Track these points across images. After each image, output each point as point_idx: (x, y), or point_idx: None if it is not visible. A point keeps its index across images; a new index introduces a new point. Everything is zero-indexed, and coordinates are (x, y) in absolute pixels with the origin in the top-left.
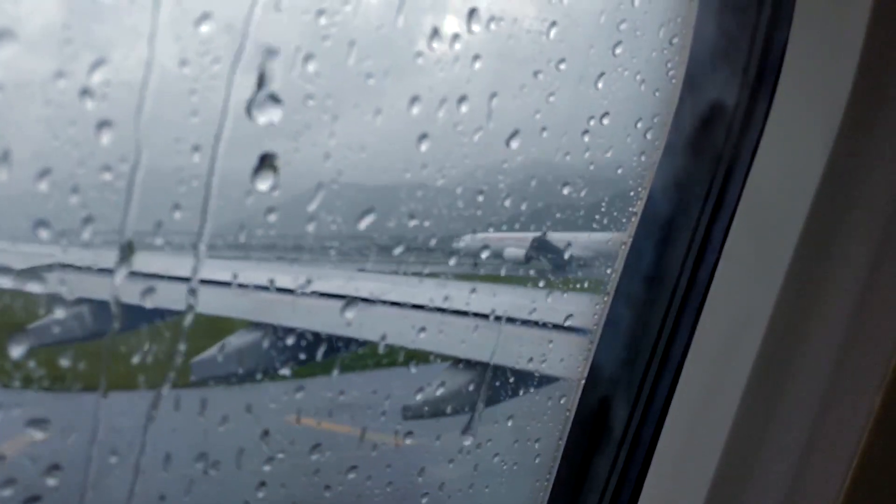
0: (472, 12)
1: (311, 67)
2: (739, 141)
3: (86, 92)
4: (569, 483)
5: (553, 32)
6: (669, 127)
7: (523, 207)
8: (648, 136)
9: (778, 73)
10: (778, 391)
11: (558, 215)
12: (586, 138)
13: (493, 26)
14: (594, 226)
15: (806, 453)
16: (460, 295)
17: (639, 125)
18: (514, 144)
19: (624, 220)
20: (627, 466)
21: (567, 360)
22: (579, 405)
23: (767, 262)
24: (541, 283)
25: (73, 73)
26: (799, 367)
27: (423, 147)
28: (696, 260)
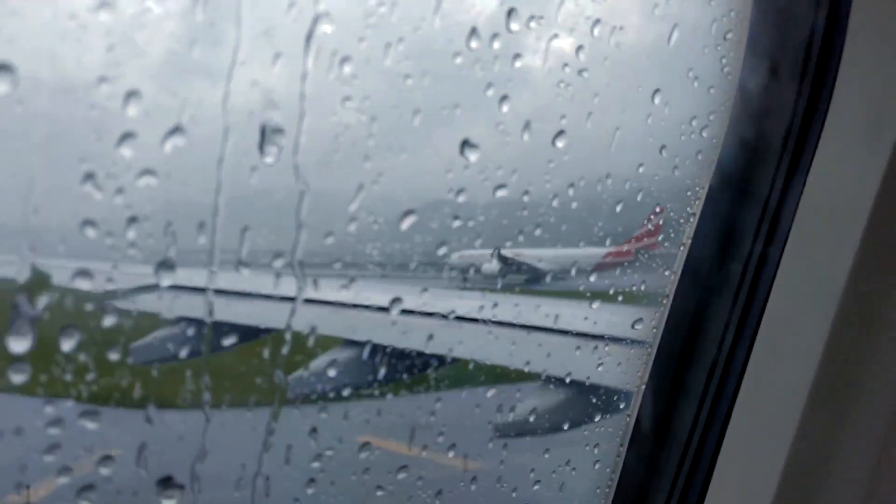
0: (511, 12)
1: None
2: (800, 136)
3: (177, 129)
4: (630, 489)
5: (601, 30)
6: (727, 124)
7: (574, 206)
8: (704, 133)
9: (837, 68)
10: (846, 393)
11: (605, 221)
12: (641, 139)
13: (533, 24)
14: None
15: (876, 464)
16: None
17: (693, 122)
18: (560, 143)
19: (682, 221)
20: (691, 474)
21: (626, 369)
22: (640, 413)
23: (829, 265)
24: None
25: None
26: (867, 366)
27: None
28: (759, 262)
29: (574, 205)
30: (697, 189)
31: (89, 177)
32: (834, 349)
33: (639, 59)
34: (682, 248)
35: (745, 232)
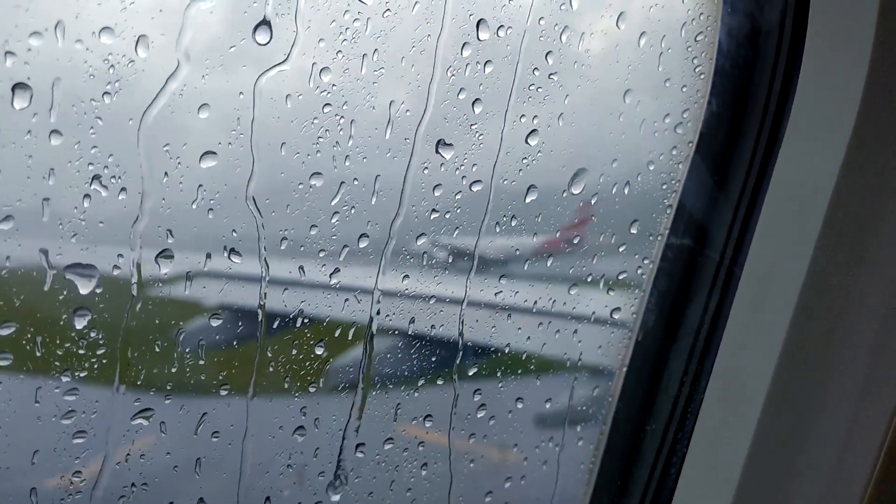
0: (480, 22)
1: None
2: (771, 132)
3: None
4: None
5: (569, 35)
6: (700, 121)
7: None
8: (679, 130)
9: (799, 68)
10: (810, 376)
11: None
12: (615, 136)
13: (502, 33)
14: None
15: (840, 444)
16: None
17: (667, 120)
18: (533, 142)
19: (654, 215)
20: (669, 456)
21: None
22: (620, 396)
23: (794, 252)
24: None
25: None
26: (831, 349)
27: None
28: (735, 250)
29: (558, 196)
30: (673, 182)
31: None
32: (799, 336)
33: (612, 62)
34: (659, 237)
35: (720, 221)
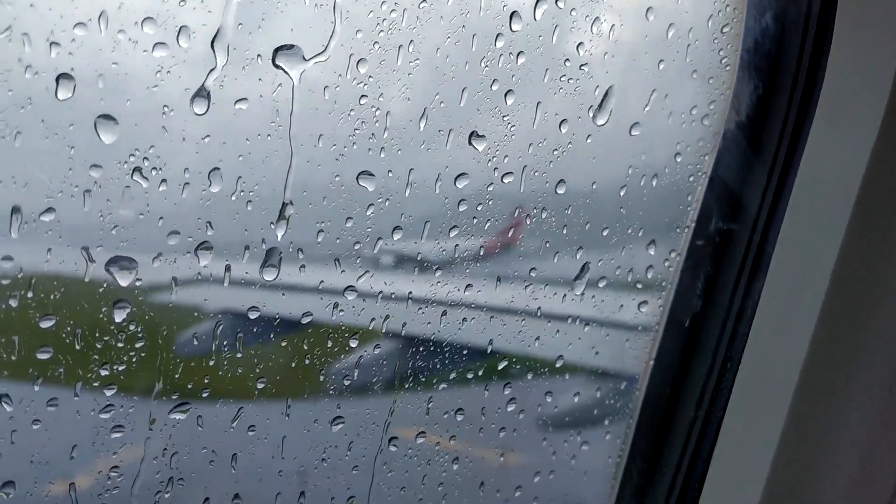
0: (514, 14)
1: None
2: (796, 124)
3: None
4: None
5: (603, 27)
6: (727, 113)
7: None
8: (705, 122)
9: (826, 62)
10: (840, 367)
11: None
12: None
13: (535, 24)
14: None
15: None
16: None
17: (694, 111)
18: (564, 130)
19: (681, 207)
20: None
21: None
22: (647, 391)
23: (823, 245)
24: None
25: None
26: (862, 338)
27: None
28: (761, 241)
29: (590, 188)
30: (700, 174)
31: (136, 170)
32: (829, 328)
33: (639, 54)
34: (686, 230)
35: (745, 214)
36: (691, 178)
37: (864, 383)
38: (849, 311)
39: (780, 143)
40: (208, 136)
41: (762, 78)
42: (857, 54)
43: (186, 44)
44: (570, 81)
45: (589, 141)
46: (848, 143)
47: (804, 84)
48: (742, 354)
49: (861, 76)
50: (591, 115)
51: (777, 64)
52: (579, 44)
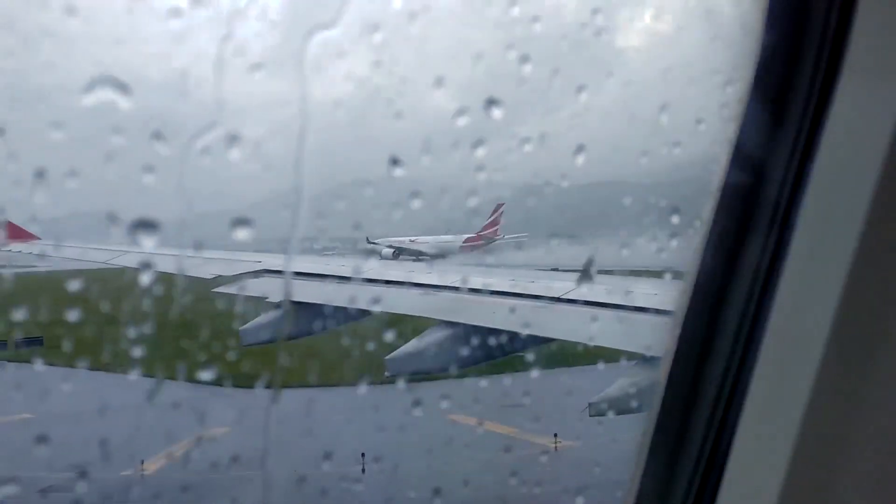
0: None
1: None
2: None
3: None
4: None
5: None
6: (751, 79)
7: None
8: (728, 89)
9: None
10: (861, 354)
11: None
12: (664, 94)
13: None
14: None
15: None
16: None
17: (716, 78)
18: (582, 100)
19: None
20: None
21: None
22: (669, 376)
23: (846, 226)
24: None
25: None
26: (885, 322)
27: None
28: (781, 227)
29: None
30: (723, 143)
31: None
32: (851, 315)
33: (660, 18)
34: (710, 198)
35: (769, 185)
36: (715, 147)
37: (888, 367)
38: (874, 292)
39: (805, 109)
40: (226, 103)
41: (787, 40)
42: (885, 15)
43: (204, 12)
44: (588, 48)
45: (608, 111)
46: (876, 106)
47: (831, 46)
48: (765, 333)
49: (890, 38)
50: (609, 83)
51: (802, 26)
52: (596, 10)
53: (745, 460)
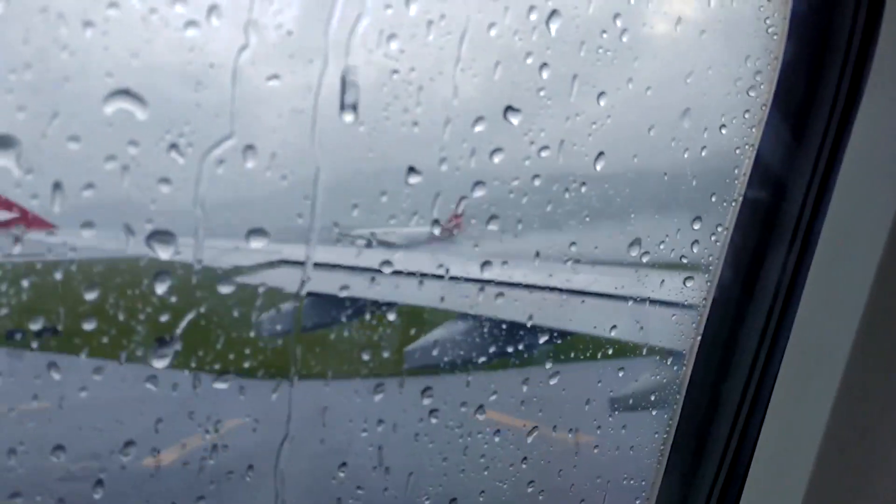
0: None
1: None
2: (849, 91)
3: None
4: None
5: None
6: (774, 84)
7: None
8: (751, 93)
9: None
10: (887, 355)
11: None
12: (686, 99)
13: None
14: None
15: None
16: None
17: (739, 83)
18: (603, 105)
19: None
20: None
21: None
22: (692, 373)
23: (871, 225)
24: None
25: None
26: None
27: None
28: (808, 223)
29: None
30: (747, 147)
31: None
32: (881, 302)
33: (682, 22)
34: (733, 204)
35: (793, 188)
36: (737, 151)
37: None
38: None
39: (831, 113)
40: (241, 112)
41: (811, 46)
42: None
43: (218, 22)
44: (609, 53)
45: (630, 114)
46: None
47: (856, 55)
48: (789, 337)
49: None
50: (630, 87)
51: (827, 31)
52: (616, 14)
53: (769, 463)
